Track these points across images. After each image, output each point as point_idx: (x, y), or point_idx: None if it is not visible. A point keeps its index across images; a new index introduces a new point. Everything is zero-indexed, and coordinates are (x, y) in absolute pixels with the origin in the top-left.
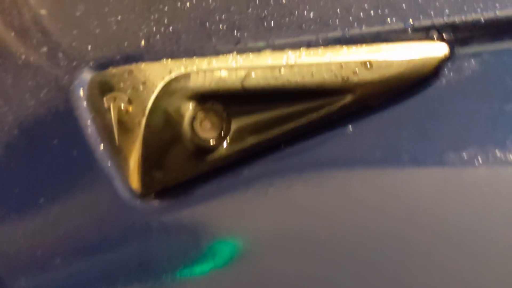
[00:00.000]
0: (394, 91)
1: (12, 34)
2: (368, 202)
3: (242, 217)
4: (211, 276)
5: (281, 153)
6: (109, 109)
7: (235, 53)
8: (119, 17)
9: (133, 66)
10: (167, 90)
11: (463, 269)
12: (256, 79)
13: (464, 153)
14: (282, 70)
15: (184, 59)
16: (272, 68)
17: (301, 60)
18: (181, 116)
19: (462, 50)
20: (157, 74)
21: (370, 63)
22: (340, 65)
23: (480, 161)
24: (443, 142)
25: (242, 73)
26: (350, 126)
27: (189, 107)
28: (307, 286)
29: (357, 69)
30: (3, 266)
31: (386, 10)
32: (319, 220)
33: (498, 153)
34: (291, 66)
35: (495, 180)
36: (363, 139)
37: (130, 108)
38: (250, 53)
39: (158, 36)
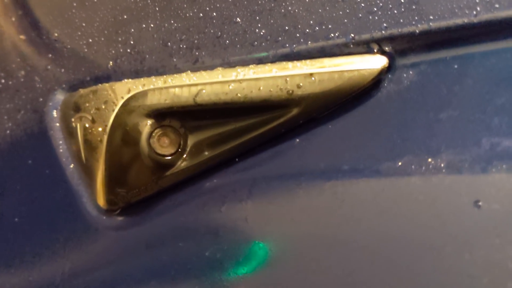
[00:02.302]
0: (337, 102)
1: None
2: (313, 209)
3: (202, 229)
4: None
5: (236, 165)
6: (76, 128)
7: (189, 71)
8: (90, 40)
9: (98, 87)
10: (126, 108)
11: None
12: (208, 94)
13: (399, 162)
14: (232, 85)
15: (143, 78)
16: (222, 83)
17: (249, 75)
18: (139, 133)
19: (400, 62)
20: (118, 93)
21: (313, 75)
22: (285, 79)
23: (414, 169)
24: (381, 151)
25: (195, 90)
26: (297, 138)
27: (147, 125)
28: None
29: (301, 82)
30: None
31: (330, 26)
32: (273, 228)
33: (432, 160)
34: (240, 81)
35: (427, 186)
36: (309, 151)
37: (94, 127)
38: (203, 71)
39: (124, 57)
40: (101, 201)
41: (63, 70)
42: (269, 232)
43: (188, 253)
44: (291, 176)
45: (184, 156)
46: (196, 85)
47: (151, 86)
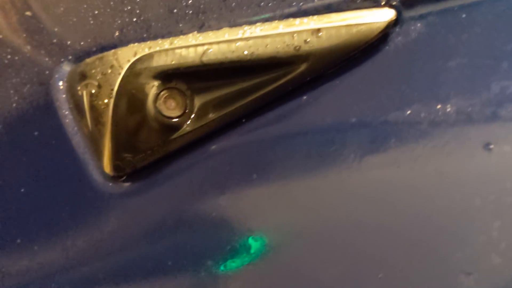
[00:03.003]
0: (344, 57)
1: (1, 35)
2: (324, 167)
3: (209, 192)
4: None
5: (243, 126)
6: (82, 96)
7: (195, 32)
8: (96, 12)
9: (104, 54)
10: (132, 71)
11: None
12: (214, 53)
13: (408, 110)
14: (238, 43)
15: (149, 41)
16: (229, 42)
17: (256, 33)
18: (146, 95)
19: (407, 14)
20: (124, 57)
21: (320, 31)
22: (292, 36)
23: (423, 116)
24: (390, 102)
25: (201, 50)
26: (305, 95)
27: (154, 87)
28: None
29: (308, 38)
30: None
31: None
32: (282, 190)
33: (441, 107)
34: (247, 39)
35: (437, 132)
36: (318, 107)
37: (100, 93)
38: (209, 31)
39: (130, 26)
40: (107, 167)
41: (69, 42)
42: (277, 194)
43: (194, 217)
44: (300, 134)
45: (191, 117)
46: (202, 45)
47: (157, 48)
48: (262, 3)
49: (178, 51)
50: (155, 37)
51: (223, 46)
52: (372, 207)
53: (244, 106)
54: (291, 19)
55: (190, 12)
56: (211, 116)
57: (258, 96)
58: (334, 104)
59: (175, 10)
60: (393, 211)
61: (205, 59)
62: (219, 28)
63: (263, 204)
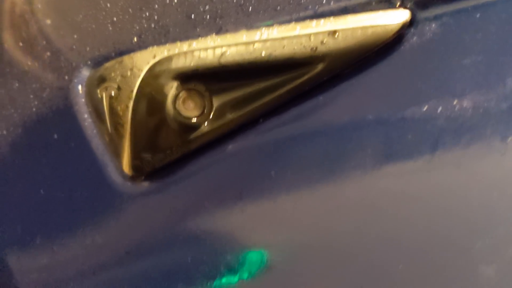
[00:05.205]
0: (360, 58)
1: (20, 44)
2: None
3: (228, 192)
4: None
5: (260, 126)
6: (102, 98)
7: (214, 34)
8: (115, 19)
9: (123, 57)
10: (151, 73)
11: None
12: (232, 55)
13: (424, 106)
14: (256, 45)
15: (168, 44)
16: (247, 44)
17: (273, 35)
18: (165, 96)
19: (422, 15)
20: (143, 60)
21: (336, 32)
22: (309, 37)
23: (440, 111)
24: (406, 99)
25: (219, 51)
26: (323, 94)
27: (173, 88)
28: None
29: (324, 39)
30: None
31: None
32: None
33: (457, 102)
34: (264, 41)
35: (453, 127)
36: (334, 106)
37: (120, 95)
38: (227, 34)
39: (148, 32)
40: (127, 167)
41: (88, 48)
42: (299, 189)
43: (214, 216)
44: (316, 134)
45: (209, 118)
46: (220, 46)
47: (176, 51)
48: (278, 7)
49: (196, 53)
50: (173, 42)
51: (241, 48)
52: (392, 202)
53: (261, 106)
54: (307, 21)
55: (208, 17)
56: (229, 116)
57: (275, 96)
58: (351, 103)
59: (192, 16)
60: (414, 205)
61: (223, 60)
62: (236, 31)
63: (282, 205)
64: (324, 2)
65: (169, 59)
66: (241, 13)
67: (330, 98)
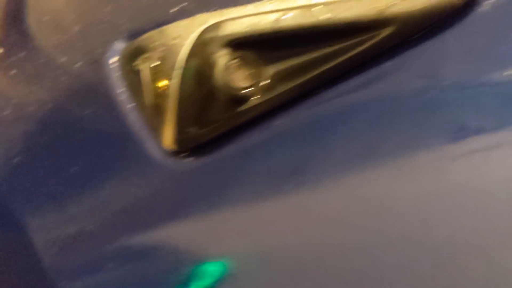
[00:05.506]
0: (431, 21)
1: (47, 16)
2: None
3: (277, 169)
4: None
5: (318, 98)
6: (141, 70)
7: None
8: None
9: (165, 27)
10: (200, 41)
11: None
12: (289, 20)
13: (505, 71)
14: (315, 8)
15: (215, 11)
16: (304, 8)
17: None
18: (214, 66)
19: None
20: (189, 28)
21: None
22: None
23: None
24: (483, 65)
25: (273, 16)
26: (393, 59)
27: (223, 57)
28: None
29: (393, 1)
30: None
31: None
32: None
33: None
34: (325, 3)
35: None
36: (406, 72)
37: (161, 66)
38: None
39: (187, 2)
40: (170, 142)
41: (122, 20)
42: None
43: (260, 191)
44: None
45: (262, 88)
46: (276, 11)
47: (226, 17)
48: None
49: (249, 18)
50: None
51: (299, 12)
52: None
53: (320, 76)
54: None
55: None
56: (284, 86)
57: (335, 65)
58: (424, 69)
59: None
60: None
61: (278, 25)
62: None
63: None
64: None
65: (218, 25)
66: None
67: (400, 64)
